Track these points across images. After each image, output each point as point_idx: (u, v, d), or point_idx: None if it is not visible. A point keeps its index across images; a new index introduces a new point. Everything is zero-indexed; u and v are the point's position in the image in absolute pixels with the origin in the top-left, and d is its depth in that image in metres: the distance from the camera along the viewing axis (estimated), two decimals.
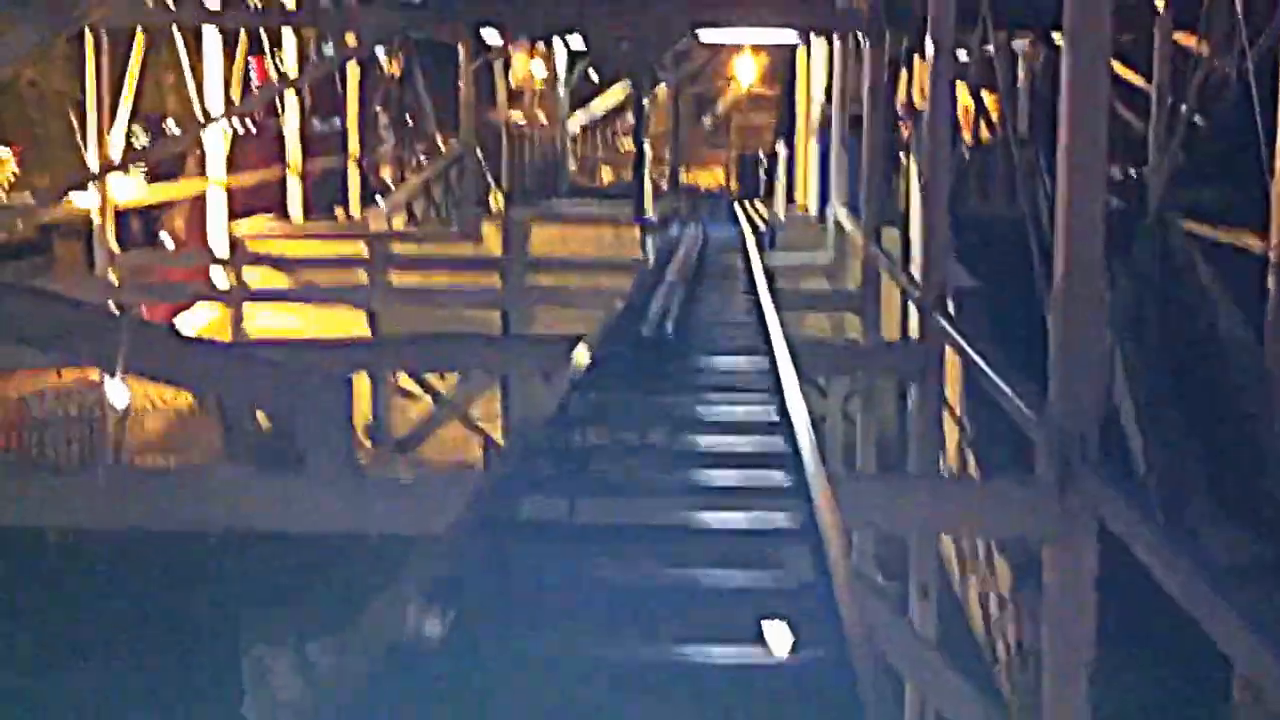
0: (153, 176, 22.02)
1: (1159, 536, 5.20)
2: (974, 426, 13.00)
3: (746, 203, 23.33)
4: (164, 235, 23.37)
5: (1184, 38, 16.08)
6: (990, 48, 17.95)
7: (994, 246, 14.74)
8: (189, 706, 12.83)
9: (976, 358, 8.23)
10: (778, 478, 5.17)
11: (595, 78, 31.05)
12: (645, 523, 4.67)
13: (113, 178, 18.62)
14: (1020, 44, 21.98)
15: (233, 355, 8.09)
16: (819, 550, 4.12)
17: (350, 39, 21.07)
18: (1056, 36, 21.53)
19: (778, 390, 6.62)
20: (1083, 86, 6.06)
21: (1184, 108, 14.40)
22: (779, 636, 3.45)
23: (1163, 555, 5.05)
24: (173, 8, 18.79)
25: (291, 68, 22.49)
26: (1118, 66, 14.36)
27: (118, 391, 16.78)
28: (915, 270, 11.36)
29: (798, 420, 5.80)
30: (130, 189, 21.07)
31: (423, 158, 27.49)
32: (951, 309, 10.22)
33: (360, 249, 19.65)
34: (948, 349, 10.10)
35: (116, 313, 17.20)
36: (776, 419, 6.12)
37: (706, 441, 5.88)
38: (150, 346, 6.77)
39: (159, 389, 18.31)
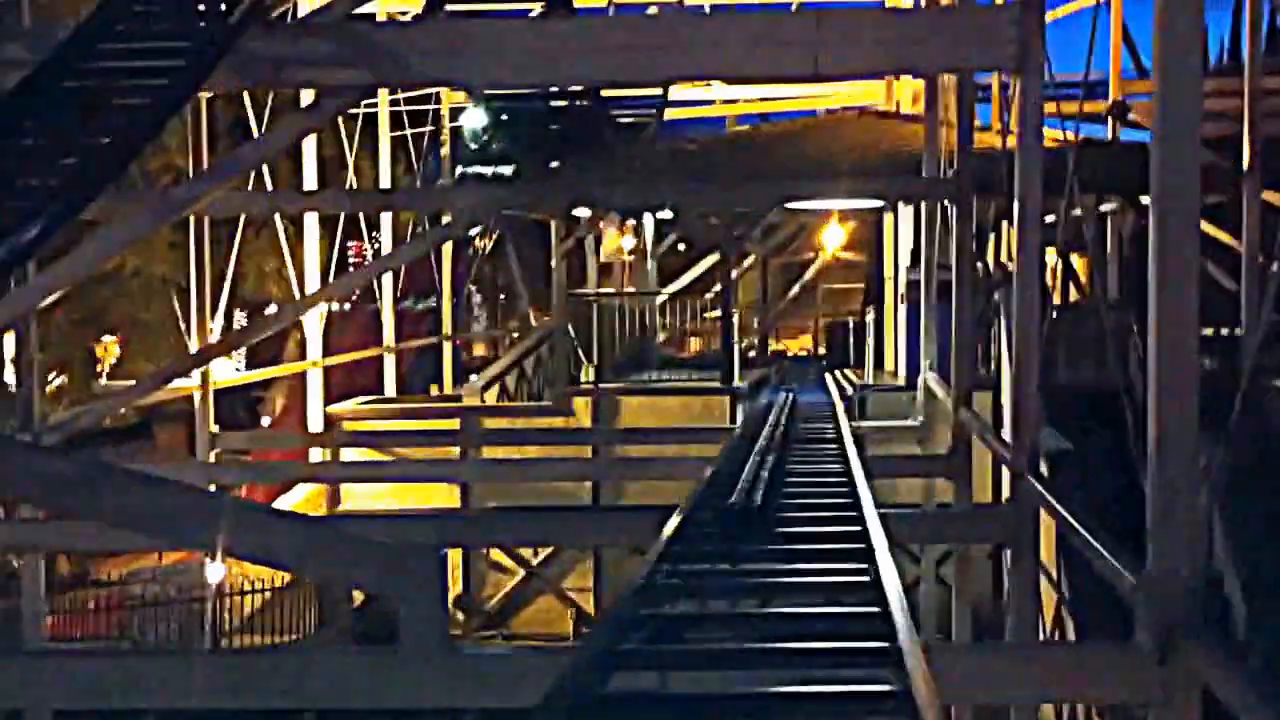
0: (254, 359, 22.48)
1: (1265, 704, 5.00)
2: (1071, 591, 12.79)
3: (835, 369, 23.34)
4: (264, 418, 23.76)
5: (1273, 196, 16.07)
6: (1078, 211, 18.01)
7: (1083, 412, 14.64)
8: None
9: (1071, 520, 8.10)
10: (871, 649, 5.08)
11: (683, 248, 31.45)
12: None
13: (213, 362, 18.99)
14: (1108, 207, 22.03)
15: (327, 532, 8.15)
16: None
17: (445, 218, 21.55)
18: (1145, 199, 21.64)
19: (870, 559, 6.49)
20: (1173, 249, 6.04)
21: (1275, 266, 14.31)
22: None
23: None
24: (270, 190, 19.34)
25: (387, 247, 23.00)
26: (1207, 226, 14.35)
27: (216, 572, 17.03)
28: (1007, 434, 11.30)
29: (890, 587, 5.72)
30: (231, 371, 21.50)
31: (515, 334, 27.88)
32: (1045, 472, 10.14)
33: (453, 424, 19.83)
34: (1042, 513, 10.00)
35: (215, 493, 17.49)
36: (867, 581, 6.04)
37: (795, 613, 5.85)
38: (245, 526, 6.85)
39: (258, 569, 18.45)
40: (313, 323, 20.66)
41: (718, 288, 27.62)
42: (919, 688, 4.42)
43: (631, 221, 28.52)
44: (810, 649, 5.24)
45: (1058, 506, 8.83)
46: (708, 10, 25.17)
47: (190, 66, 8.48)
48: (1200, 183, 6.09)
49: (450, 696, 6.68)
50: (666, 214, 27.64)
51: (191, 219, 17.45)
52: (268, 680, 6.78)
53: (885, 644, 5.07)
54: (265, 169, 18.99)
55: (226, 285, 18.28)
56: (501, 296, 28.67)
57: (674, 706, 4.78)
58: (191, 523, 6.76)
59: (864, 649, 5.13)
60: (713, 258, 28.96)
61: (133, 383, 19.02)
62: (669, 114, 27.54)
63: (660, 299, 30.94)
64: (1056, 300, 19.05)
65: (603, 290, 27.31)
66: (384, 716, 9.03)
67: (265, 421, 23.64)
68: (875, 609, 5.60)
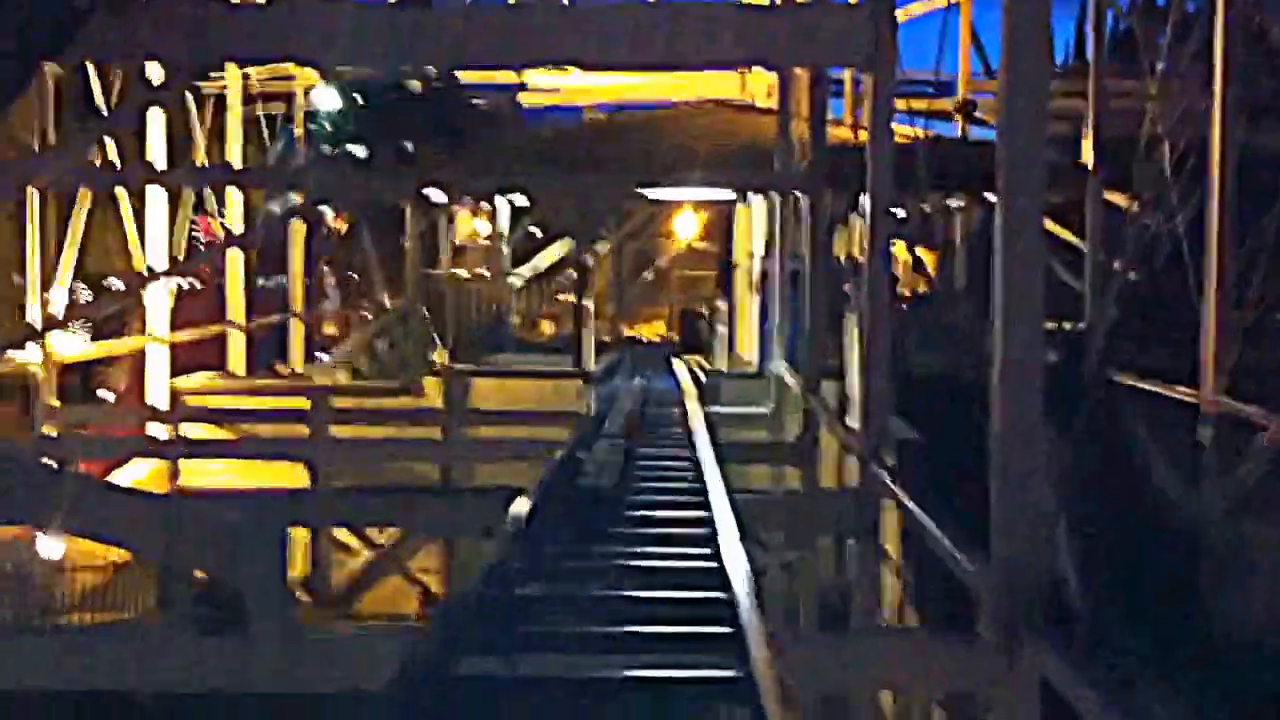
0: (96, 334, 21.97)
1: (1106, 702, 5.15)
2: (915, 580, 12.95)
3: (688, 355, 23.46)
4: (103, 392, 23.24)
5: (1116, 197, 16.47)
6: (926, 206, 18.33)
7: (932, 401, 14.87)
8: None
9: (916, 510, 8.23)
10: (715, 632, 5.17)
11: (538, 233, 31.41)
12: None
13: (54, 335, 18.53)
14: (955, 203, 22.42)
15: (168, 510, 8.00)
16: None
17: (295, 197, 21.28)
18: (991, 196, 22.05)
19: (714, 543, 6.62)
20: (1017, 242, 6.15)
21: (1117, 264, 14.70)
22: None
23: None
24: (119, 168, 18.92)
25: (237, 225, 22.63)
26: (1051, 224, 14.66)
27: (51, 546, 16.62)
28: (854, 421, 11.42)
29: (735, 573, 5.82)
30: (74, 345, 21.00)
31: (366, 314, 27.62)
32: (892, 461, 10.24)
33: (302, 403, 19.60)
34: (888, 501, 10.11)
35: (54, 468, 17.07)
36: (714, 567, 6.11)
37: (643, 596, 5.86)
38: (85, 502, 6.71)
39: (94, 544, 18.05)
40: (157, 299, 20.28)
41: (572, 273, 27.61)
42: (761, 675, 4.49)
43: (486, 206, 28.38)
44: (656, 634, 5.25)
45: (902, 495, 8.96)
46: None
47: (34, 46, 8.28)
48: (1046, 179, 6.21)
49: (294, 681, 6.62)
50: (522, 200, 27.59)
51: (31, 192, 17.05)
52: (106, 661, 6.67)
53: (730, 630, 5.14)
54: (112, 145, 18.55)
55: (68, 259, 17.81)
56: (355, 276, 28.32)
57: (519, 689, 4.75)
58: (27, 497, 6.63)
59: (709, 634, 5.18)
60: (567, 243, 28.98)
61: None
62: (525, 100, 27.46)
63: (514, 282, 30.86)
64: (905, 292, 19.36)
65: (456, 272, 27.15)
66: (225, 700, 8.92)
67: (106, 398, 23.10)
68: (721, 595, 5.64)
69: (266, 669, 6.53)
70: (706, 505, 7.77)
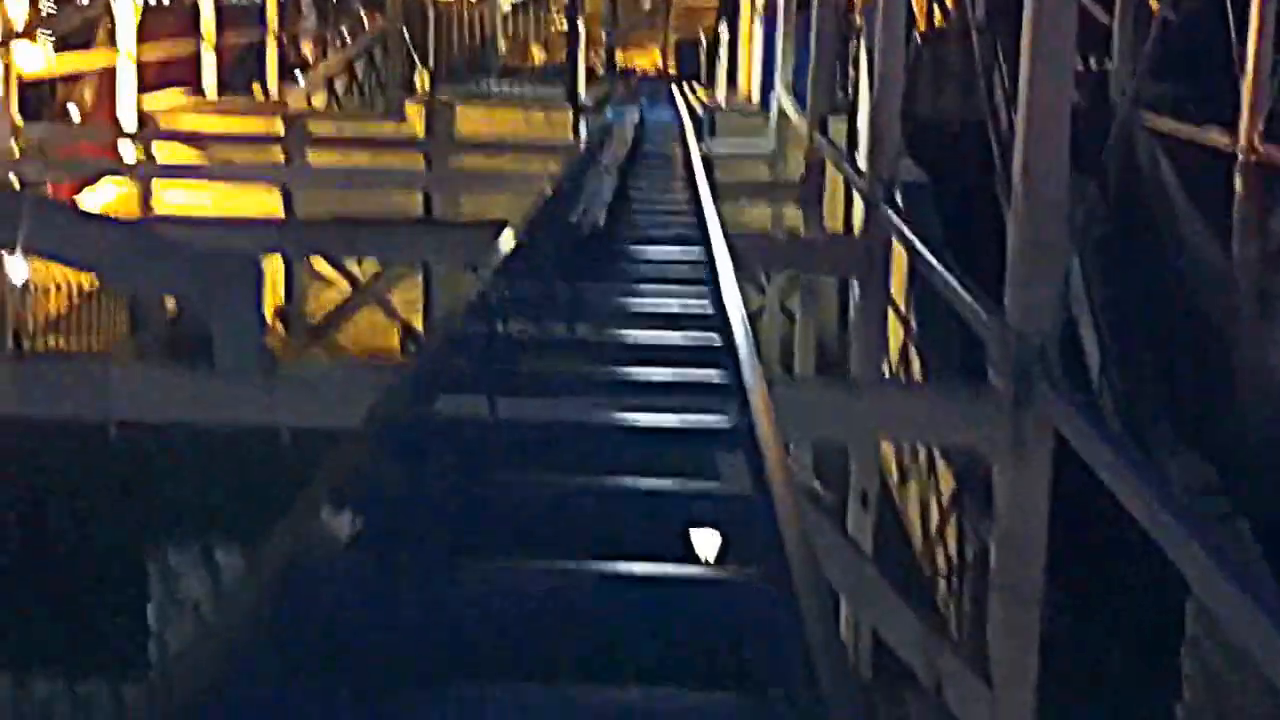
0: (62, 47, 20.96)
1: (1121, 455, 4.81)
2: (919, 327, 12.46)
3: (685, 86, 22.53)
4: (71, 108, 22.26)
5: None
6: None
7: (945, 142, 14.18)
8: (92, 609, 12.31)
9: (927, 254, 7.83)
10: (712, 375, 4.69)
11: None
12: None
13: (17, 46, 17.58)
14: None
15: (138, 236, 7.50)
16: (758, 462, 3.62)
17: None
18: None
19: (714, 283, 6.05)
20: None
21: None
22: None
23: (1124, 475, 4.68)
24: None
25: None
26: None
27: (17, 268, 16.00)
28: (862, 162, 10.84)
29: (733, 314, 5.27)
30: (36, 59, 19.99)
31: (346, 35, 26.47)
32: (900, 204, 9.69)
33: (277, 126, 18.74)
34: (895, 245, 9.55)
35: (17, 187, 16.31)
36: (711, 312, 5.62)
37: (636, 335, 5.37)
38: (50, 224, 6.30)
39: (63, 268, 17.46)
40: (124, 11, 19.17)
41: None
42: (761, 424, 3.95)
43: None
44: (647, 381, 4.78)
45: (913, 238, 8.58)
46: None
47: None
48: None
49: (267, 414, 6.30)
50: None
51: None
52: (71, 389, 6.31)
53: (725, 377, 4.64)
54: None
55: None
56: None
57: (499, 432, 4.19)
58: None
59: (704, 383, 4.67)
60: None
61: None
62: None
63: (503, 6, 29.63)
64: (920, 25, 18.36)
65: None
66: (189, 429, 8.56)
67: (74, 115, 22.13)
68: (718, 340, 5.13)
69: (238, 403, 6.20)
70: (705, 241, 7.21)
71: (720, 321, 5.39)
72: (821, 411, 6.52)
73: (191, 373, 6.27)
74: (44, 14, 20.30)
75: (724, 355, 4.89)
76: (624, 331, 5.46)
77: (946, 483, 11.28)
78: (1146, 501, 4.46)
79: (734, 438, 4.03)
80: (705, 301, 5.87)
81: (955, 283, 6.85)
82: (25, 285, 16.91)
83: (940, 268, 7.31)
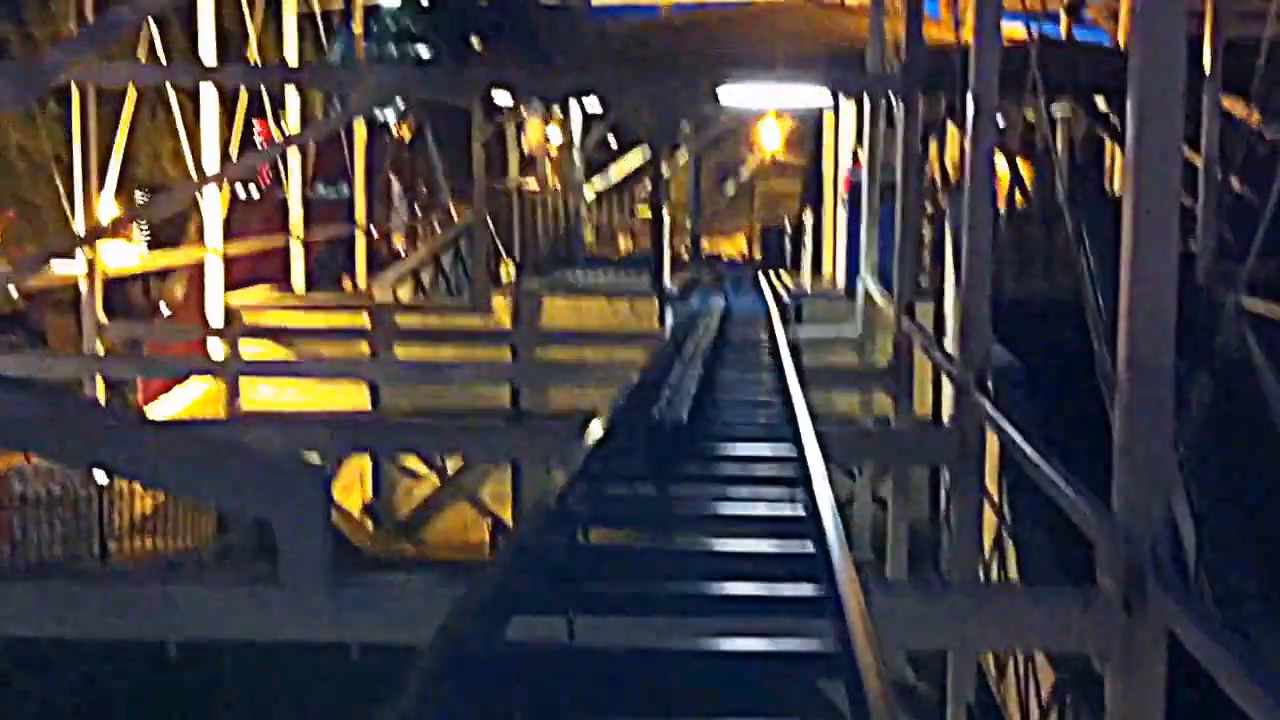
0: (156, 244, 21.27)
1: (1240, 661, 4.46)
2: (1013, 516, 12.05)
3: (771, 273, 22.46)
4: (163, 305, 22.55)
5: (1231, 103, 15.23)
6: (1029, 113, 17.10)
7: (1032, 326, 13.89)
8: None
9: (1025, 445, 7.49)
10: (806, 590, 4.66)
11: (613, 142, 30.30)
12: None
13: (109, 244, 17.79)
14: (1059, 111, 21.13)
15: (206, 446, 7.28)
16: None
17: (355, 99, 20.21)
18: (1099, 101, 20.82)
19: (805, 484, 5.99)
20: (1153, 156, 5.29)
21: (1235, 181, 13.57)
22: None
23: (1242, 681, 4.35)
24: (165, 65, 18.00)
25: (295, 129, 21.64)
26: None
27: (100, 473, 15.95)
28: (950, 346, 10.57)
29: (828, 524, 5.19)
30: (128, 256, 20.28)
31: (437, 226, 26.64)
32: (991, 389, 9.42)
33: (363, 320, 18.80)
34: (987, 431, 9.24)
35: (101, 387, 16.40)
36: (802, 515, 5.61)
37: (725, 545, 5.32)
38: (119, 440, 6.07)
39: None
40: (212, 207, 19.37)
41: (649, 185, 26.57)
42: (860, 646, 3.84)
43: (558, 111, 27.37)
44: (738, 595, 4.74)
45: (1008, 427, 8.28)
46: None
47: None
48: (1183, 89, 5.32)
49: (330, 630, 6.09)
50: (595, 106, 26.57)
51: (75, 92, 16.27)
52: (133, 612, 6.17)
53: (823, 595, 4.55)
54: (159, 43, 17.62)
55: (115, 163, 16.92)
56: (423, 188, 27.37)
57: (577, 661, 4.10)
58: (53, 431, 6.04)
59: (798, 598, 4.65)
60: (643, 152, 27.90)
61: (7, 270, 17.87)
62: None
63: (588, 194, 29.84)
64: (1001, 207, 18.21)
65: (525, 182, 26.15)
66: (256, 649, 8.33)
67: (165, 311, 22.37)
68: (811, 551, 5.05)
69: (302, 618, 6.02)
70: (795, 438, 7.18)
71: (813, 528, 5.26)
72: (923, 622, 6.26)
73: (252, 588, 6.12)
74: (137, 203, 20.50)
75: (818, 565, 4.76)
76: (711, 540, 5.34)
77: (1046, 676, 10.79)
78: (1268, 711, 4.15)
79: (833, 664, 3.89)
80: (797, 506, 5.74)
81: (1056, 476, 6.57)
82: (110, 486, 16.87)
83: (1039, 459, 7.03)
